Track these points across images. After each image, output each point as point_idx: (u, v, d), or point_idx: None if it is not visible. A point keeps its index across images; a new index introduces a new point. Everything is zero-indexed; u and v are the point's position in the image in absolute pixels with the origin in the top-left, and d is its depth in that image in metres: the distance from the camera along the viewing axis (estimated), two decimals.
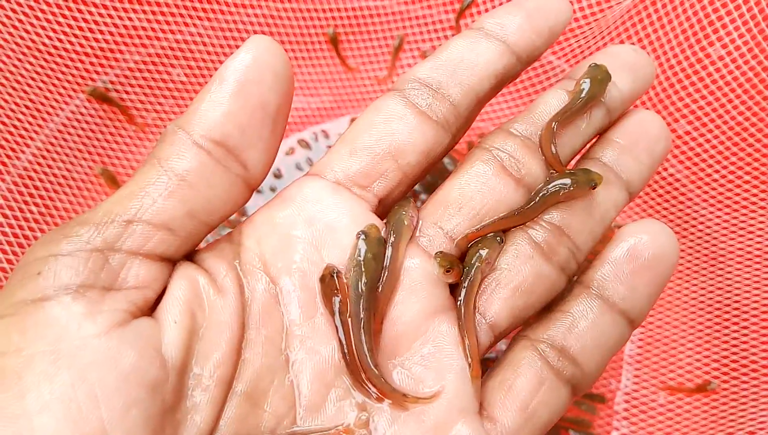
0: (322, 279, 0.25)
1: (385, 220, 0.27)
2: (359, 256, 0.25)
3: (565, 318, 0.27)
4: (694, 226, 0.60)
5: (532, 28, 0.28)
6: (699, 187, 0.60)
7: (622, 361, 0.59)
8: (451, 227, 0.27)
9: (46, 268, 0.22)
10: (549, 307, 0.29)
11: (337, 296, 0.24)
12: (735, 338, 0.56)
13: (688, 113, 0.58)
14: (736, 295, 0.57)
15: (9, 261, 0.48)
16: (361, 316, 0.24)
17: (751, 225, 0.57)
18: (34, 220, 0.51)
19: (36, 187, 0.52)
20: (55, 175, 0.53)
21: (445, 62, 0.28)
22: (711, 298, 0.59)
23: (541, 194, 0.28)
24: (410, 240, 0.27)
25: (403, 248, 0.26)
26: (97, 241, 0.22)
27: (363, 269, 0.24)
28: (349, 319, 0.24)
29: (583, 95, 0.29)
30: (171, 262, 0.24)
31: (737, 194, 0.57)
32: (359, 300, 0.24)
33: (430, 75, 0.27)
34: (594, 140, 0.32)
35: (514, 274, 0.27)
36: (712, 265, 0.59)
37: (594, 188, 0.28)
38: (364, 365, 0.24)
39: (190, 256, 0.26)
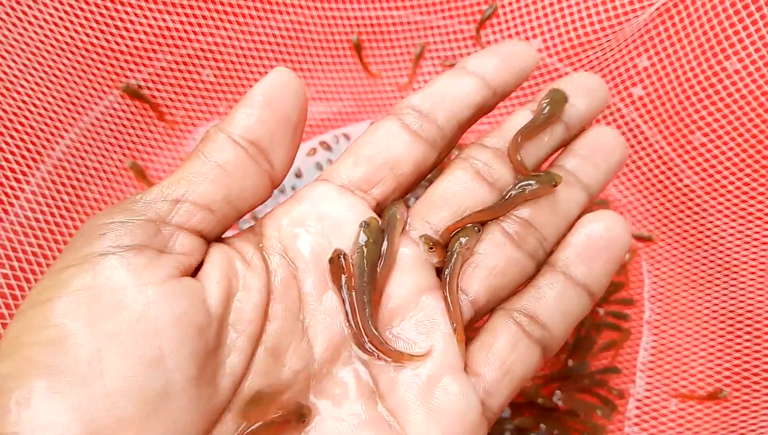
0: (331, 260, 0.29)
1: (381, 216, 0.32)
2: (362, 241, 0.29)
3: (535, 291, 0.32)
4: (708, 236, 0.61)
5: (506, 68, 0.34)
6: (714, 199, 0.60)
7: (635, 368, 0.59)
8: (436, 221, 0.32)
9: (108, 231, 0.25)
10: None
11: (344, 274, 0.29)
12: (747, 347, 0.57)
13: (703, 125, 0.59)
14: (749, 304, 0.58)
15: (41, 246, 0.50)
16: (364, 290, 0.29)
17: (765, 236, 0.57)
18: (65, 208, 0.53)
19: (69, 178, 0.54)
20: (87, 167, 0.55)
21: (434, 93, 0.33)
22: (724, 307, 0.59)
23: (511, 193, 0.33)
24: (402, 232, 0.32)
25: (398, 237, 0.31)
26: (151, 214, 0.26)
27: (365, 252, 0.29)
28: (354, 293, 0.29)
29: (543, 113, 0.34)
30: (207, 240, 0.28)
31: (751, 205, 0.58)
32: (362, 277, 0.29)
33: (421, 103, 0.33)
34: (559, 151, 0.37)
35: (490, 259, 0.32)
36: (726, 275, 0.60)
37: (555, 186, 0.33)
38: (366, 330, 0.28)
39: (222, 240, 0.30)
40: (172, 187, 0.27)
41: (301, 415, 0.26)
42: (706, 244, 0.61)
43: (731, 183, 0.59)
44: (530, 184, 0.33)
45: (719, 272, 0.60)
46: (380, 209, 0.32)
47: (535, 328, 0.31)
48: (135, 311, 0.24)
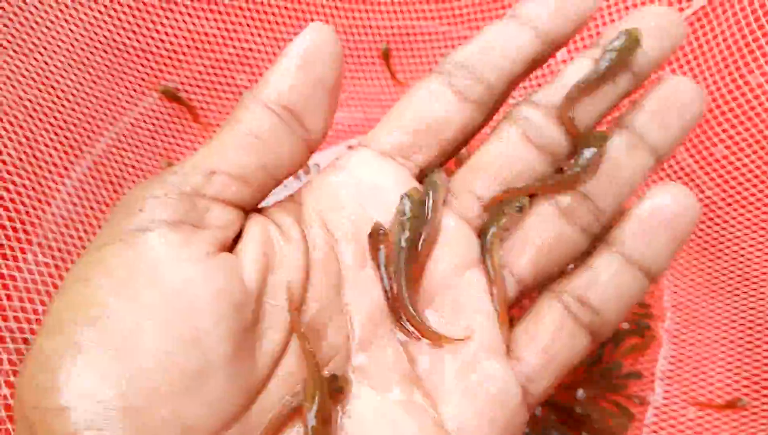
0: (371, 235, 0.28)
1: (423, 184, 0.30)
2: (402, 215, 0.28)
3: (587, 272, 0.30)
4: (728, 247, 0.61)
5: (563, 15, 0.30)
6: (735, 210, 0.61)
7: (654, 376, 0.60)
8: (481, 192, 0.30)
9: (146, 205, 0.25)
10: (574, 264, 0.31)
11: (383, 251, 0.28)
12: (766, 356, 0.57)
13: (726, 138, 0.60)
14: None
15: (81, 238, 0.52)
16: (402, 268, 0.28)
17: None
18: (105, 204, 0.55)
19: (108, 174, 0.56)
20: (125, 165, 0.58)
21: (482, 46, 0.30)
22: (743, 317, 0.59)
23: (572, 169, 0.30)
24: (444, 203, 0.30)
25: (440, 209, 0.30)
26: (186, 187, 0.26)
27: (406, 228, 0.28)
28: (393, 271, 0.28)
29: (608, 63, 0.30)
30: (245, 210, 0.28)
31: None
32: (401, 255, 0.28)
33: (468, 58, 0.30)
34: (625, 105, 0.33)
35: (538, 234, 0.30)
36: (745, 285, 0.60)
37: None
38: (405, 310, 0.27)
39: (260, 210, 0.29)
40: (206, 158, 0.26)
41: (339, 387, 0.26)
42: (726, 254, 0.61)
43: (752, 194, 0.60)
44: (590, 155, 0.29)
45: (738, 282, 0.60)
46: (423, 176, 0.31)
47: (585, 312, 0.29)
48: (172, 289, 0.23)
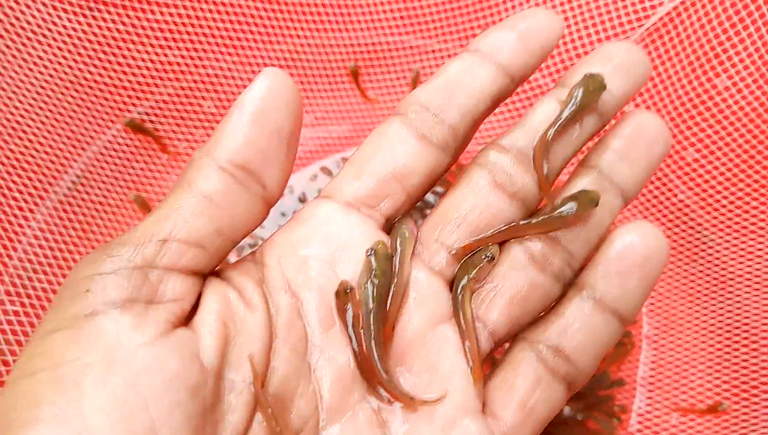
0: (337, 295, 0.27)
1: (390, 234, 0.29)
2: (369, 272, 0.27)
3: (559, 319, 0.29)
4: (703, 251, 0.62)
5: (525, 48, 0.29)
6: (708, 213, 0.61)
7: (635, 383, 0.60)
8: (450, 242, 0.29)
9: (93, 285, 0.24)
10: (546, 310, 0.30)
11: (351, 310, 0.27)
12: (745, 360, 0.58)
13: (696, 141, 0.60)
14: (746, 317, 0.59)
15: (50, 281, 0.51)
16: (372, 328, 0.27)
17: (759, 249, 0.58)
18: (72, 244, 0.54)
19: (75, 212, 0.55)
20: (92, 201, 0.56)
21: (444, 85, 0.29)
22: (721, 321, 0.60)
23: (544, 216, 0.29)
24: (412, 255, 0.29)
25: (408, 262, 0.29)
26: (137, 259, 0.24)
27: (373, 284, 0.27)
28: (362, 331, 0.27)
29: (574, 106, 0.29)
30: (202, 276, 0.27)
31: (745, 219, 0.59)
32: (370, 314, 0.27)
33: (429, 98, 0.29)
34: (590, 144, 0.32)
35: (510, 284, 0.29)
36: (722, 289, 0.61)
37: (596, 206, 0.29)
38: (375, 373, 0.26)
39: (219, 273, 0.28)
40: (157, 224, 0.25)
41: None
42: (702, 257, 0.62)
43: (725, 197, 0.60)
44: (570, 209, 0.29)
45: (715, 286, 0.61)
46: (390, 225, 0.30)
47: (560, 362, 0.28)
48: (125, 383, 0.22)
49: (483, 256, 0.29)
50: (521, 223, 0.29)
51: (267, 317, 0.26)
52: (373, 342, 0.26)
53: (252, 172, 0.26)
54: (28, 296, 0.49)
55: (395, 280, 0.28)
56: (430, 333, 0.28)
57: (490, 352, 0.29)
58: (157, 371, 0.23)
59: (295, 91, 0.26)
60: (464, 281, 0.29)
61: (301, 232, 0.28)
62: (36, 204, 0.53)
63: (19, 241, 0.51)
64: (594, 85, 0.30)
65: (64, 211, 0.54)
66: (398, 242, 0.28)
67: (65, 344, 0.23)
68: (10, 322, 0.46)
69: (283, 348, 0.26)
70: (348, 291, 0.27)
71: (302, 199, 0.65)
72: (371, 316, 0.27)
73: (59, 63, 0.54)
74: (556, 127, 0.30)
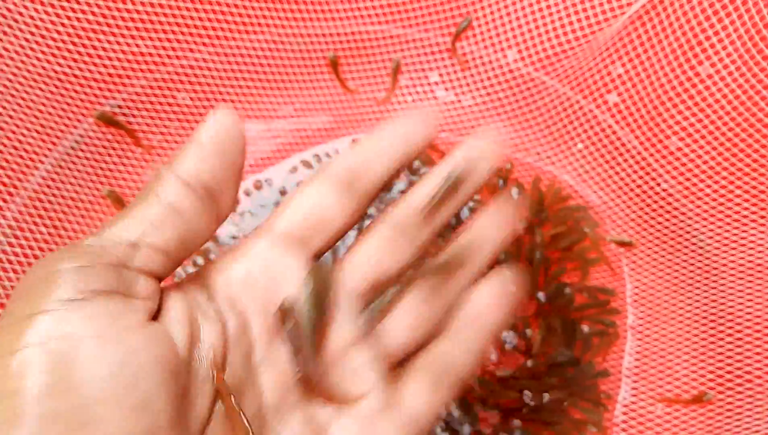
0: (280, 309, 0.31)
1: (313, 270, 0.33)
2: (302, 295, 0.31)
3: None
4: (687, 240, 0.61)
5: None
6: (692, 202, 0.61)
7: (621, 374, 0.60)
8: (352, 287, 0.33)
9: (70, 277, 0.25)
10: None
11: (290, 324, 0.31)
12: (729, 350, 0.57)
13: (679, 130, 0.60)
14: (730, 306, 0.58)
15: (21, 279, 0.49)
16: (309, 340, 0.31)
17: (743, 238, 0.58)
18: (44, 241, 0.52)
19: (45, 209, 0.54)
20: (63, 197, 0.55)
21: (363, 156, 0.34)
22: (705, 311, 0.60)
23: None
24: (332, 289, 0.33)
25: (330, 293, 0.33)
26: (112, 258, 0.26)
27: (307, 304, 0.31)
28: (298, 342, 0.31)
29: (443, 192, 0.34)
30: (160, 280, 0.29)
31: (729, 208, 0.59)
32: (306, 327, 0.31)
33: (351, 164, 0.34)
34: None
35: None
36: (706, 278, 0.60)
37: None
38: (309, 375, 0.30)
39: (175, 285, 0.30)
40: (126, 230, 0.27)
41: None
42: (686, 247, 0.62)
43: (708, 186, 0.60)
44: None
45: (700, 275, 0.61)
46: (317, 259, 0.34)
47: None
48: (117, 356, 0.24)
49: (380, 302, 0.33)
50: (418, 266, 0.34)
51: (222, 326, 0.29)
52: (309, 350, 0.30)
53: (211, 193, 0.29)
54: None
55: (324, 305, 0.32)
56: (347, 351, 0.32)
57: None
58: (144, 351, 0.25)
59: (243, 128, 0.30)
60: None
61: (243, 262, 0.32)
62: (5, 200, 0.51)
63: None
64: (455, 179, 0.35)
65: (35, 207, 0.53)
66: (321, 276, 0.32)
67: (59, 322, 0.24)
68: None
69: (235, 353, 0.29)
70: (286, 310, 0.31)
71: (282, 192, 0.64)
72: (308, 329, 0.31)
73: (27, 54, 0.52)
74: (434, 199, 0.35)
